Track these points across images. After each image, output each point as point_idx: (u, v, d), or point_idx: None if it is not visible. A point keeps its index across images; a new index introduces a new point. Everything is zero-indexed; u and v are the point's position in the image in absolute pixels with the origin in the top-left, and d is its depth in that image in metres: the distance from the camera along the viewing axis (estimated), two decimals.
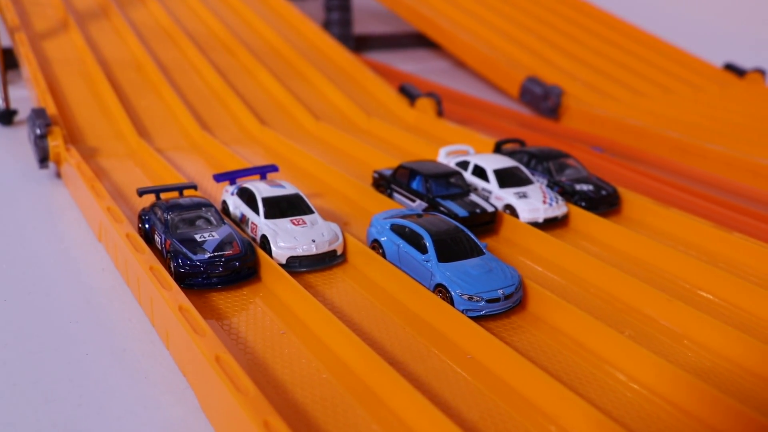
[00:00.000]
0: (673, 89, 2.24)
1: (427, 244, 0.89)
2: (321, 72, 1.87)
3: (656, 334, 0.85)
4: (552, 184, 1.22)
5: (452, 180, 1.12)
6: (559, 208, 1.13)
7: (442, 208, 1.07)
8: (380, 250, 0.96)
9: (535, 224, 1.10)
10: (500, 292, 0.84)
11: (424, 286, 0.87)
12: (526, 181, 1.17)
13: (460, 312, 0.81)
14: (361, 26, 3.09)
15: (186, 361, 0.74)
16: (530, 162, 1.27)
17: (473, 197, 1.10)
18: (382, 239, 0.96)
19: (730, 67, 2.49)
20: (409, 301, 0.87)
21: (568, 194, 1.20)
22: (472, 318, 0.81)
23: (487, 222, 1.08)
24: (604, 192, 1.20)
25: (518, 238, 1.08)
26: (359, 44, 2.90)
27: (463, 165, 1.22)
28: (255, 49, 1.99)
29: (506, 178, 1.17)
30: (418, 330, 0.82)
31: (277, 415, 0.58)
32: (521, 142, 1.37)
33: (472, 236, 0.92)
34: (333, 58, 2.04)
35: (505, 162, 1.20)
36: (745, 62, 2.56)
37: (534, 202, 1.12)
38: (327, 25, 2.86)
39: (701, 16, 3.25)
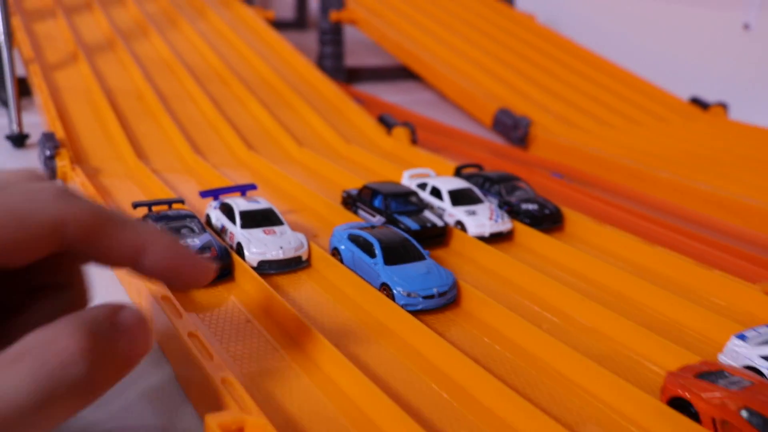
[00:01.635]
0: (640, 121, 2.40)
1: (376, 250, 1.04)
2: (307, 102, 2.04)
3: (570, 328, 0.99)
4: (502, 204, 1.37)
5: (409, 198, 1.28)
6: (504, 224, 1.28)
7: (399, 223, 1.22)
8: (339, 257, 1.11)
9: (482, 238, 1.25)
10: (435, 290, 0.99)
11: (372, 285, 1.02)
12: (477, 201, 1.32)
13: (399, 306, 0.96)
14: (355, 58, 3.27)
15: (165, 337, 0.88)
16: (485, 184, 1.42)
17: (427, 214, 1.25)
18: (341, 247, 1.11)
19: (696, 101, 2.65)
20: (359, 298, 1.02)
21: (516, 213, 1.35)
22: (410, 312, 0.95)
23: (437, 235, 1.23)
24: (547, 211, 1.35)
25: (466, 250, 1.23)
26: (351, 76, 3.08)
27: (423, 186, 1.37)
28: (248, 80, 2.16)
29: (459, 198, 1.32)
30: (364, 322, 0.97)
31: (232, 375, 0.72)
32: (479, 167, 1.52)
33: (417, 245, 1.08)
34: (320, 89, 2.20)
35: (459, 184, 1.36)
36: (711, 96, 2.72)
37: (481, 219, 1.27)
38: (321, 58, 3.04)
39: (671, 51, 3.42)
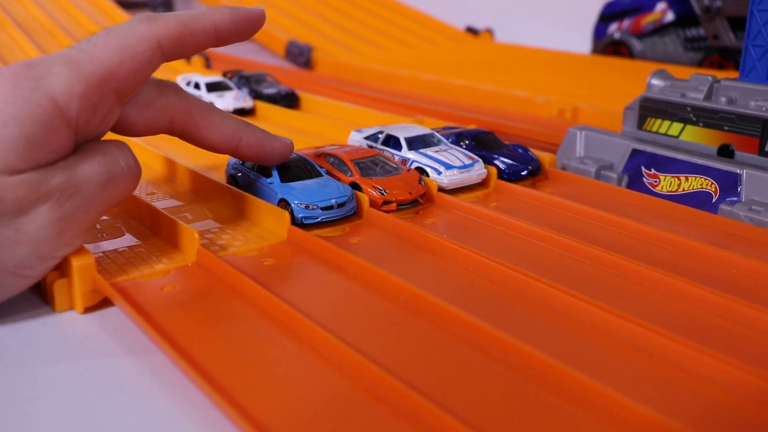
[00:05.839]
0: (413, 45, 2.92)
1: (272, 170, 1.04)
2: None
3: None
4: (251, 92, 1.84)
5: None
6: (245, 103, 1.75)
7: None
8: (235, 183, 1.11)
9: (230, 110, 1.71)
10: (333, 201, 1.00)
11: (272, 203, 1.00)
12: (227, 89, 1.79)
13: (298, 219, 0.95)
14: None
15: None
16: (241, 80, 1.89)
17: None
18: (238, 175, 1.11)
19: (469, 29, 3.19)
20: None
21: (260, 97, 1.82)
22: (312, 224, 0.97)
23: None
24: (284, 93, 1.83)
25: None
26: None
27: (189, 83, 1.83)
28: (75, 35, 2.55)
29: (213, 87, 1.78)
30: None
31: None
32: (240, 71, 1.99)
33: (313, 163, 1.09)
34: None
35: (216, 79, 1.82)
36: (484, 25, 3.28)
37: (227, 99, 1.73)
38: None
39: None
